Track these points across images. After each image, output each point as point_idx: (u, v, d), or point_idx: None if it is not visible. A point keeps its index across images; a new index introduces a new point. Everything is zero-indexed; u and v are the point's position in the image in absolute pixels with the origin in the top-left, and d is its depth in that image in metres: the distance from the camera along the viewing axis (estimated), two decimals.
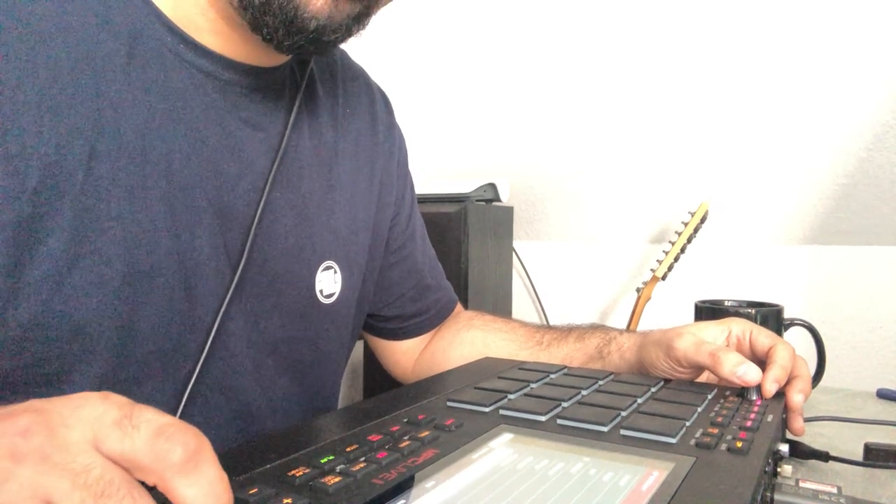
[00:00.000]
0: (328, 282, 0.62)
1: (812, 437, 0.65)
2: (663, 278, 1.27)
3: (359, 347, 0.76)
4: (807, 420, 0.62)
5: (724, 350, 0.55)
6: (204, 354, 0.50)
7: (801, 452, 0.54)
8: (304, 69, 0.61)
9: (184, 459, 0.25)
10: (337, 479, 0.33)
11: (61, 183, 0.43)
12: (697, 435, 0.42)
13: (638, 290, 1.29)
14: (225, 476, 0.26)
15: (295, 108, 0.58)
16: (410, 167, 0.78)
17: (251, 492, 0.31)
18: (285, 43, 0.49)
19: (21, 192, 0.42)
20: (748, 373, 0.53)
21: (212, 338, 0.50)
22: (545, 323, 1.21)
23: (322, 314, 0.61)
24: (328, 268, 0.62)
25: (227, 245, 0.52)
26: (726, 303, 0.84)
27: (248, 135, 0.54)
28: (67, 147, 0.43)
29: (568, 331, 0.73)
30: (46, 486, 0.24)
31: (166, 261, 0.48)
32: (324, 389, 0.65)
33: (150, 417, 0.26)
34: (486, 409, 0.47)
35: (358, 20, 0.51)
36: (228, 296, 0.51)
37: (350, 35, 0.51)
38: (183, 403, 0.49)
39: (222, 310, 0.51)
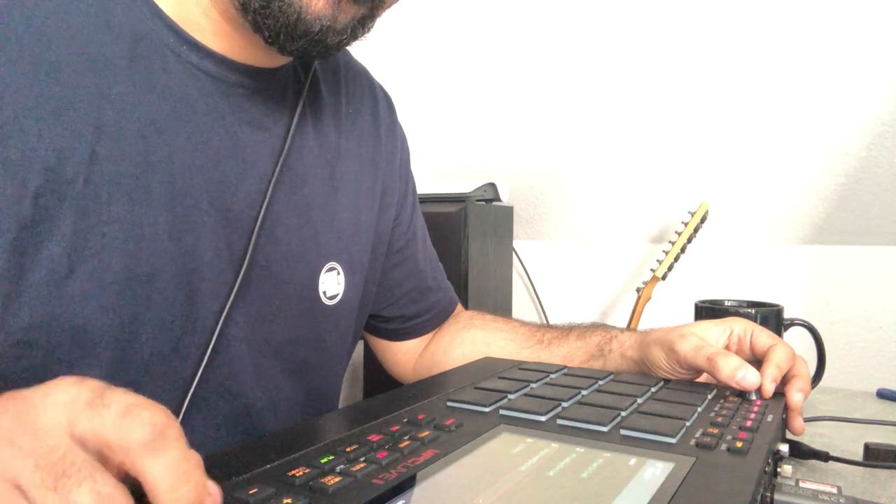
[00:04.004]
0: (332, 283, 0.62)
1: (812, 437, 0.65)
2: (663, 278, 1.27)
3: (359, 347, 0.76)
4: (807, 420, 0.62)
5: (722, 355, 0.55)
6: (206, 358, 0.50)
7: (801, 452, 0.54)
8: (307, 70, 0.61)
9: (149, 437, 0.26)
10: (337, 479, 0.33)
11: (62, 186, 0.43)
12: (697, 435, 0.42)
13: (638, 290, 1.29)
14: (193, 456, 0.27)
15: (298, 109, 0.58)
16: (411, 167, 0.78)
17: (251, 492, 0.31)
18: (288, 47, 0.48)
19: (22, 197, 0.42)
20: (747, 377, 0.53)
21: (213, 341, 0.50)
22: (545, 322, 1.21)
23: (325, 316, 0.61)
24: (331, 269, 0.62)
25: (230, 247, 0.52)
26: (726, 303, 0.84)
27: (250, 136, 0.54)
28: (68, 150, 0.43)
29: (569, 329, 0.73)
30: (12, 467, 0.25)
31: (168, 264, 0.48)
32: (325, 390, 0.64)
33: (120, 398, 0.27)
34: (486, 409, 0.47)
35: (362, 23, 0.50)
36: (231, 298, 0.51)
37: (355, 38, 0.51)
38: (184, 406, 0.49)
39: (224, 312, 0.51)
